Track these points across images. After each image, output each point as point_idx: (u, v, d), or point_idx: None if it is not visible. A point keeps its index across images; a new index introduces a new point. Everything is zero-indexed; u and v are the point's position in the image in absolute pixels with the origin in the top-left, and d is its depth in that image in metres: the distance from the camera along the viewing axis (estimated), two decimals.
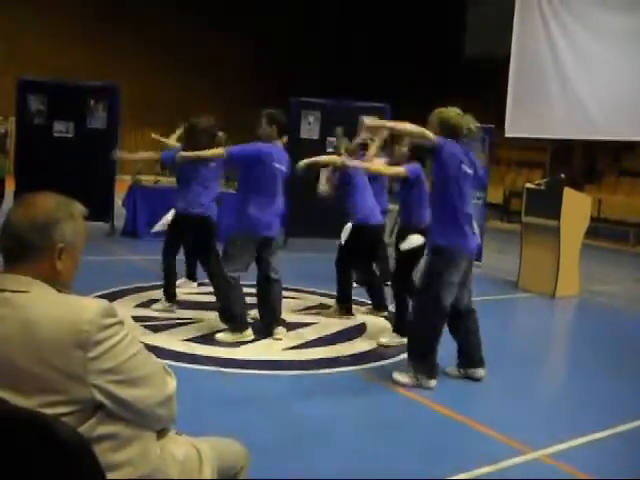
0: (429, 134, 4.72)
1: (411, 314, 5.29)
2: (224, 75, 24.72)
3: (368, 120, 5.38)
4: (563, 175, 9.08)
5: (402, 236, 6.01)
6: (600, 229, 15.80)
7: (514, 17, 15.05)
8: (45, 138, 10.83)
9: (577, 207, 8.68)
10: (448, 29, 25.18)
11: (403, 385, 4.94)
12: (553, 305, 8.46)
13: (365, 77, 23.77)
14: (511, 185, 19.32)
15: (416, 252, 5.90)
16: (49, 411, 1.66)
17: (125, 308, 6.41)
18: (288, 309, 6.93)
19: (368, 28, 26.03)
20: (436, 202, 5.00)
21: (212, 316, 6.30)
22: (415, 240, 5.88)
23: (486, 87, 20.08)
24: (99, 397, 1.72)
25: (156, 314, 6.41)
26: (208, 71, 24.63)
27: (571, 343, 7.41)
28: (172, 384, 1.94)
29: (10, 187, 10.99)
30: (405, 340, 5.43)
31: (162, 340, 5.58)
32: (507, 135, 15.58)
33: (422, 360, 4.97)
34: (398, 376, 5.02)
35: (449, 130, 4.85)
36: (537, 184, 9.28)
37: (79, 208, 1.93)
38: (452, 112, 4.93)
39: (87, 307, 1.74)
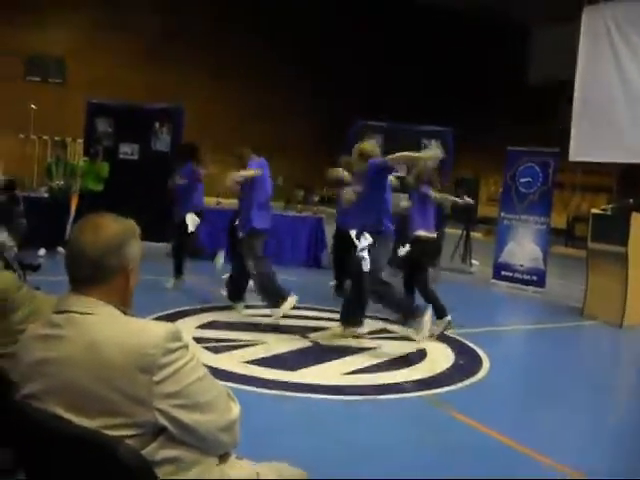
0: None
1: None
2: (290, 98, 24.88)
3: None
4: (631, 200, 8.84)
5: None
6: None
7: (580, 42, 14.78)
8: (111, 160, 11.05)
9: None
10: (511, 56, 25.05)
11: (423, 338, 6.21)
12: (620, 334, 8.20)
13: (429, 103, 23.71)
14: (575, 210, 18.96)
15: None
16: (112, 433, 1.66)
17: (187, 329, 6.45)
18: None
19: (434, 55, 26.01)
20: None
21: (272, 339, 6.32)
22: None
23: (549, 112, 19.83)
24: (162, 421, 1.71)
25: (216, 335, 6.42)
26: (273, 94, 24.82)
27: (638, 373, 7.16)
28: (236, 410, 1.92)
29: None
30: None
31: (222, 362, 5.59)
32: (571, 159, 15.26)
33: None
34: (415, 335, 6.21)
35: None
36: (603, 209, 9.06)
37: (136, 226, 1.96)
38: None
39: (153, 331, 1.74)
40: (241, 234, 7.16)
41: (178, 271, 8.53)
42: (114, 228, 1.86)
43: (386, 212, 6.34)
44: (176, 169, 8.75)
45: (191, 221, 8.29)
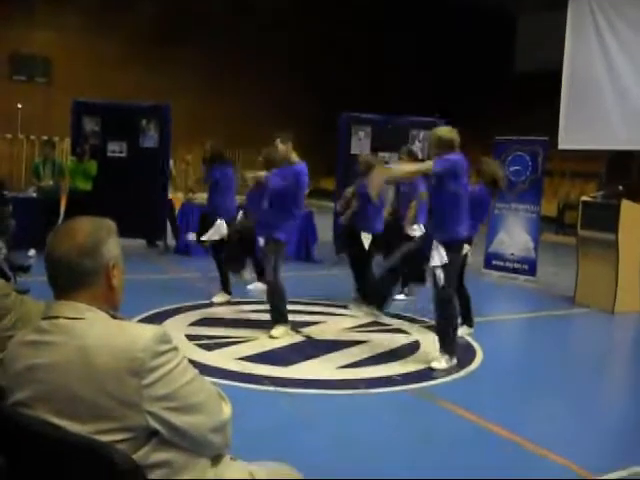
0: (424, 167, 5.67)
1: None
2: (274, 92, 24.80)
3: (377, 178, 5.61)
4: (620, 187, 8.86)
5: None
6: None
7: (566, 29, 14.81)
8: (99, 158, 11.01)
9: (636, 220, 8.43)
10: (500, 43, 25.04)
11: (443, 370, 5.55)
12: (612, 321, 8.22)
13: (417, 92, 23.69)
14: (565, 197, 19.00)
15: None
16: (104, 438, 1.66)
17: (179, 326, 6.45)
18: (341, 327, 6.90)
19: (421, 44, 25.99)
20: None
21: (264, 334, 6.31)
22: None
23: (538, 100, 19.85)
24: (154, 424, 1.70)
25: (208, 332, 6.42)
26: (258, 88, 24.74)
27: (632, 361, 7.19)
28: (227, 410, 1.92)
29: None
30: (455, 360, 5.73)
31: (215, 359, 5.58)
32: (560, 147, 15.30)
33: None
34: (437, 364, 5.63)
35: (446, 145, 5.60)
36: (593, 197, 9.08)
37: (112, 224, 1.93)
38: (445, 129, 5.82)
39: (141, 334, 1.73)
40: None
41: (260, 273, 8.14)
42: (87, 230, 1.84)
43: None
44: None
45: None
